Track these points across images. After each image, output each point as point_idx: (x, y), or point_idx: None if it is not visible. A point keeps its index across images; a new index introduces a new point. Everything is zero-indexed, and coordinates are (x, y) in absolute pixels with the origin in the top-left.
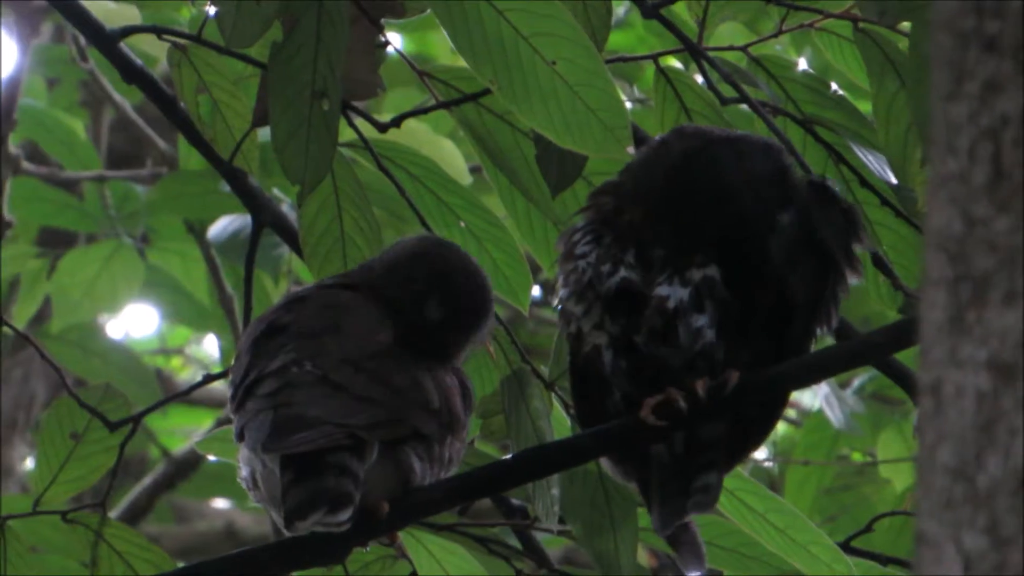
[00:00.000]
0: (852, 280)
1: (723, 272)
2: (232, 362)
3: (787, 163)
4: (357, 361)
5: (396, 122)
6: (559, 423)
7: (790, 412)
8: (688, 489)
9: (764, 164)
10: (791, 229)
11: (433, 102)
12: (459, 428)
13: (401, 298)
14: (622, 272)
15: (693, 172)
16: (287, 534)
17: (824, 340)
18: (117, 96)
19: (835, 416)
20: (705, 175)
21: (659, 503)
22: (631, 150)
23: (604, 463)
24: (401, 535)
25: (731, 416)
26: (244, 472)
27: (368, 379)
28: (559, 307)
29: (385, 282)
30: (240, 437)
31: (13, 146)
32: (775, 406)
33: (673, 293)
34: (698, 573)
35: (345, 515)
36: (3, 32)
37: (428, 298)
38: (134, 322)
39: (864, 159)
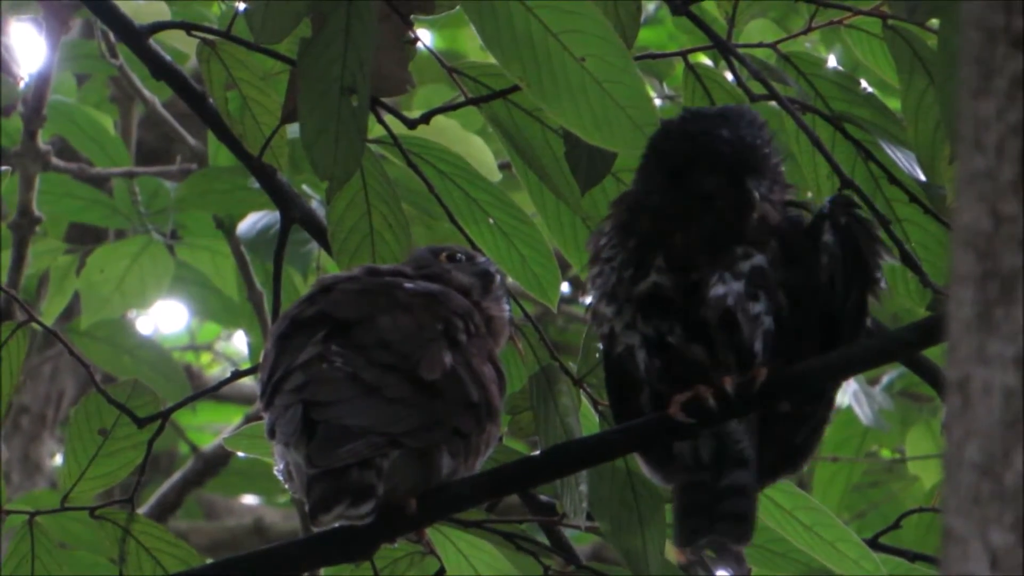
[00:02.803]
0: (882, 285)
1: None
2: (261, 359)
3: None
4: (390, 354)
5: (425, 118)
6: (587, 420)
7: None
8: (712, 509)
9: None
10: (833, 247)
11: (462, 99)
12: (496, 416)
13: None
14: (653, 277)
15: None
16: (313, 528)
17: None
18: (147, 92)
19: (864, 413)
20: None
21: (680, 515)
22: None
23: (642, 467)
24: (429, 532)
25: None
26: (279, 466)
27: (401, 378)
28: (590, 308)
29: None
30: (272, 434)
31: (43, 142)
32: (820, 409)
33: (729, 289)
34: (734, 572)
35: (367, 507)
36: (33, 28)
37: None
38: (163, 318)
39: (893, 156)
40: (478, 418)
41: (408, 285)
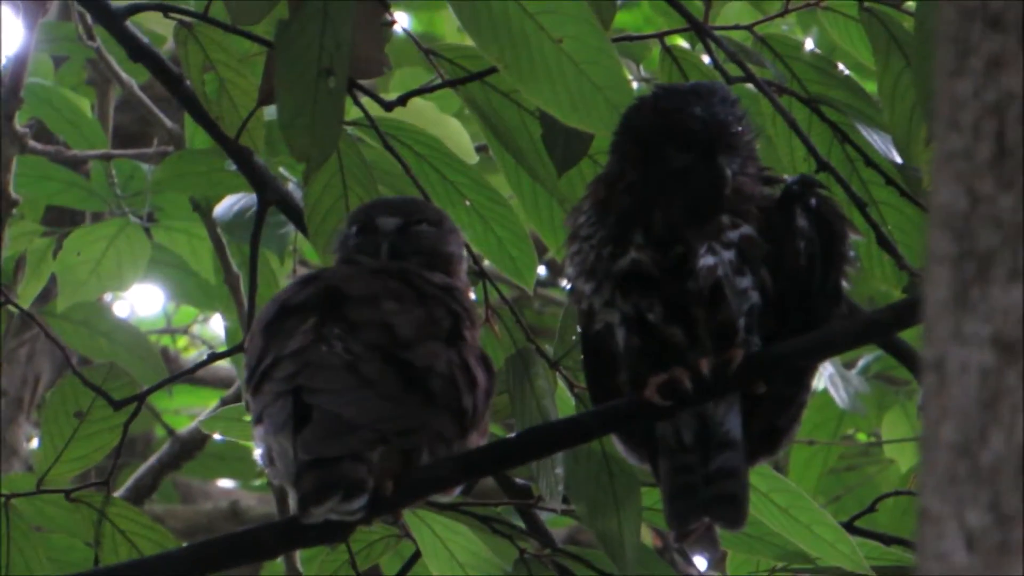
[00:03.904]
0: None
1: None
2: (243, 342)
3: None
4: (388, 340)
5: (402, 100)
6: (563, 402)
7: None
8: (697, 491)
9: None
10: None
11: (439, 81)
12: (480, 424)
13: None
14: (632, 254)
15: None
16: (304, 519)
17: None
18: (124, 74)
19: (840, 396)
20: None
21: (668, 498)
22: None
23: (619, 447)
24: (404, 515)
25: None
26: (260, 450)
27: (395, 373)
28: (569, 286)
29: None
30: (259, 420)
31: (19, 124)
32: (798, 392)
33: (719, 259)
34: (709, 556)
35: (359, 503)
36: (10, 10)
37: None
38: (140, 301)
39: (869, 138)
40: (463, 425)
41: (426, 274)
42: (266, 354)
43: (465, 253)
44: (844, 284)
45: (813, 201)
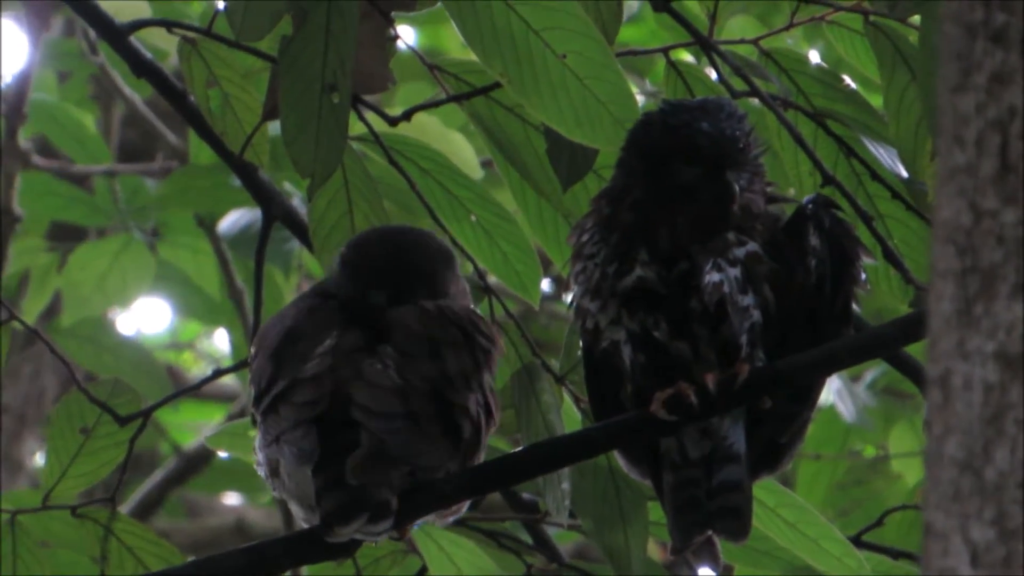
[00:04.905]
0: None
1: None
2: (249, 360)
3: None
4: (437, 381)
5: (407, 116)
6: (569, 417)
7: None
8: (701, 504)
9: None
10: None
11: (444, 96)
12: (478, 455)
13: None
14: (638, 271)
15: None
16: (329, 537)
17: None
18: (127, 90)
19: (847, 410)
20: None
21: (672, 512)
22: None
23: (621, 462)
24: (411, 529)
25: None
26: (261, 460)
27: (438, 414)
28: (573, 304)
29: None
30: (275, 440)
31: (24, 140)
32: (805, 408)
33: (725, 276)
34: (712, 569)
35: (385, 525)
36: (14, 26)
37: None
38: (145, 317)
39: (875, 152)
40: (466, 457)
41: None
42: (277, 378)
43: (465, 285)
44: (854, 306)
45: (827, 221)
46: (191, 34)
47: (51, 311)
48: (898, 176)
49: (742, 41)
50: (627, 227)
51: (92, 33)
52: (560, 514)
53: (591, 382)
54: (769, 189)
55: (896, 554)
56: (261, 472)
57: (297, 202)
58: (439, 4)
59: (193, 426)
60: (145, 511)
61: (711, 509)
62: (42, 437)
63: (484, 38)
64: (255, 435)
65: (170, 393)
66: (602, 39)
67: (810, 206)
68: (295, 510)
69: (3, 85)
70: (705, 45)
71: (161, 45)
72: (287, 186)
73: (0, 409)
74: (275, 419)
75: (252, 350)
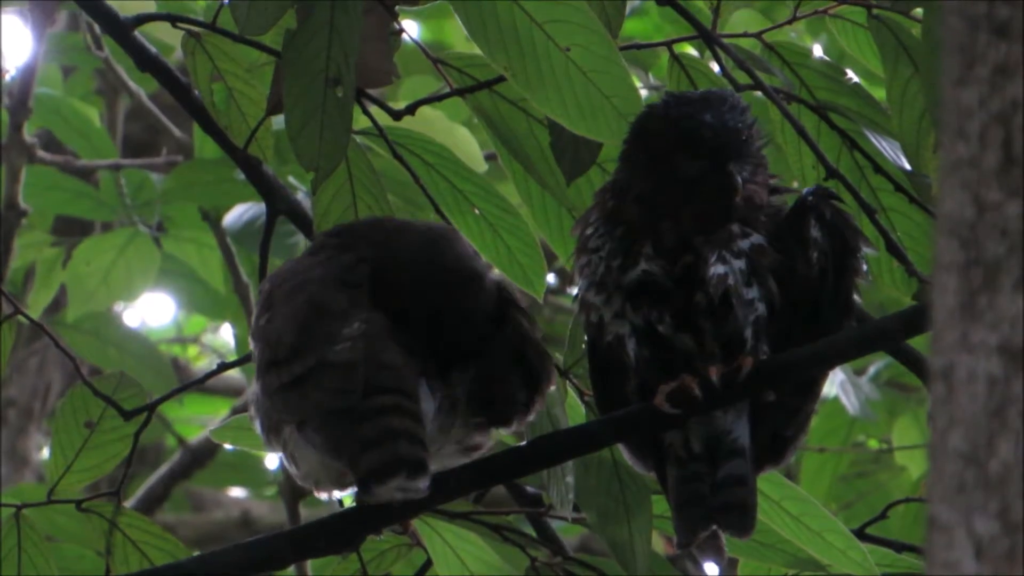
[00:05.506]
0: (867, 278)
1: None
2: (256, 308)
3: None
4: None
5: (411, 109)
6: (573, 410)
7: None
8: (706, 498)
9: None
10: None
11: (447, 90)
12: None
13: None
14: (642, 265)
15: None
16: (368, 499)
17: None
18: (132, 84)
19: (851, 403)
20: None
21: (676, 507)
22: None
23: (625, 456)
24: (415, 523)
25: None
26: (261, 421)
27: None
28: (578, 298)
29: None
30: (300, 425)
31: (28, 135)
32: (806, 401)
33: (729, 268)
34: (715, 563)
35: (424, 482)
36: (19, 21)
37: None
38: (150, 311)
39: (878, 145)
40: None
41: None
42: (303, 349)
43: None
44: (856, 297)
45: (828, 212)
46: (195, 28)
47: (56, 305)
48: (901, 169)
49: (745, 35)
50: (631, 220)
51: (97, 27)
52: (564, 507)
53: (595, 375)
54: (772, 181)
55: (900, 547)
56: (256, 427)
57: (301, 196)
58: None
59: (198, 420)
60: (150, 505)
61: (715, 504)
62: (47, 431)
63: (488, 32)
64: (253, 390)
65: (175, 387)
66: (606, 33)
67: (811, 197)
68: (293, 470)
69: (8, 79)
70: (708, 39)
71: (166, 39)
72: (291, 180)
73: (5, 403)
74: (298, 400)
75: (261, 298)
